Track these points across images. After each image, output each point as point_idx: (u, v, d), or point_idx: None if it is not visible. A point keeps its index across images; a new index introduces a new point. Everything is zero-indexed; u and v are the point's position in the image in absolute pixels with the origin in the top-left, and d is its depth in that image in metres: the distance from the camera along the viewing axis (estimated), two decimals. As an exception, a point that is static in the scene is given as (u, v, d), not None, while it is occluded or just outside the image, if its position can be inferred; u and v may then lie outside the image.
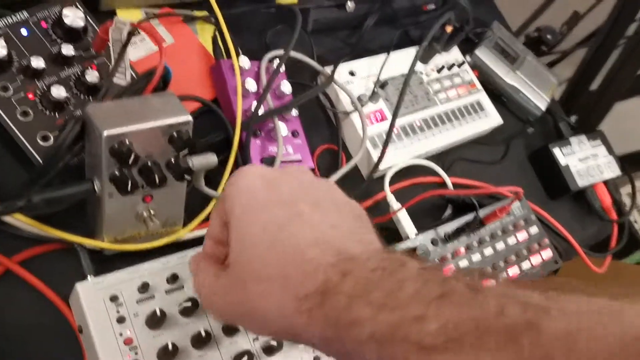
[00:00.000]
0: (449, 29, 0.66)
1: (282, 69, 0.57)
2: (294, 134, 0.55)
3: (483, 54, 0.75)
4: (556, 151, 0.71)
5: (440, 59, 0.70)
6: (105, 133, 0.36)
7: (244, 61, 0.55)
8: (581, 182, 0.71)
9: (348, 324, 0.26)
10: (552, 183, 0.71)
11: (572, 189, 0.70)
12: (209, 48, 0.58)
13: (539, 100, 0.76)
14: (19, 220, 0.39)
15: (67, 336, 0.40)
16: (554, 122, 0.77)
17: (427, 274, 0.26)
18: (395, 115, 0.59)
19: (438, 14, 0.76)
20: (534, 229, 0.61)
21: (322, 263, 0.28)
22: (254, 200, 0.31)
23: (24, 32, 0.44)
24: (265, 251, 0.29)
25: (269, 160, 0.52)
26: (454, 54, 0.72)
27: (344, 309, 0.27)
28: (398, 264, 0.27)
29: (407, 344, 0.25)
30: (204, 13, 0.58)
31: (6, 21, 0.43)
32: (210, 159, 0.44)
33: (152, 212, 0.41)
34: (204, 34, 0.59)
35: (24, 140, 0.40)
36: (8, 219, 0.39)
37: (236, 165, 0.50)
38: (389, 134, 0.58)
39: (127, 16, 0.55)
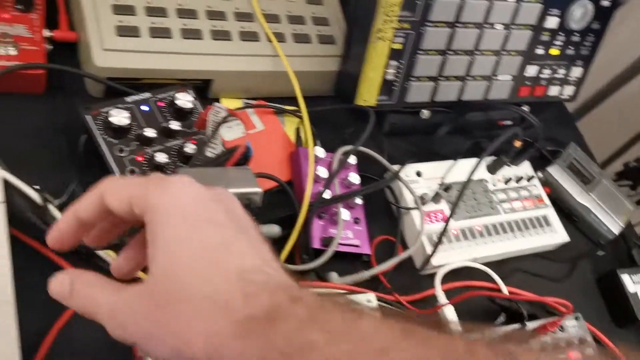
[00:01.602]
0: (517, 143, 0.69)
1: (354, 161, 0.63)
2: (356, 220, 0.60)
3: (556, 172, 0.77)
4: (625, 277, 0.69)
5: (509, 171, 0.73)
6: (190, 193, 0.42)
7: (320, 151, 0.61)
8: (651, 313, 0.67)
9: (298, 349, 0.24)
10: (619, 310, 0.68)
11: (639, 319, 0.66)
12: (292, 137, 0.66)
13: (612, 224, 0.75)
14: (109, 256, 0.47)
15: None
16: (627, 247, 0.75)
17: (386, 309, 0.25)
18: (451, 215, 0.62)
19: (514, 130, 0.81)
20: (589, 351, 0.58)
21: (269, 285, 0.26)
22: (191, 216, 0.28)
23: (144, 108, 0.54)
24: (204, 269, 0.27)
25: (327, 241, 0.56)
26: (525, 168, 0.74)
27: (295, 333, 0.24)
28: (348, 298, 0.26)
29: None
30: (293, 108, 0.67)
31: (134, 99, 0.54)
32: (274, 229, 0.50)
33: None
34: (290, 125, 0.67)
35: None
36: (101, 253, 0.46)
37: (298, 241, 0.55)
38: (443, 231, 0.60)
39: (229, 104, 0.64)
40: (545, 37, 0.72)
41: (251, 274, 0.27)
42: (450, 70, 0.68)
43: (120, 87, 0.56)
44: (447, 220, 0.62)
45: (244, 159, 0.50)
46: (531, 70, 0.75)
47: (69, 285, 0.30)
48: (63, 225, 0.32)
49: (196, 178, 0.43)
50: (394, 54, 0.63)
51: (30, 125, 0.54)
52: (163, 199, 0.29)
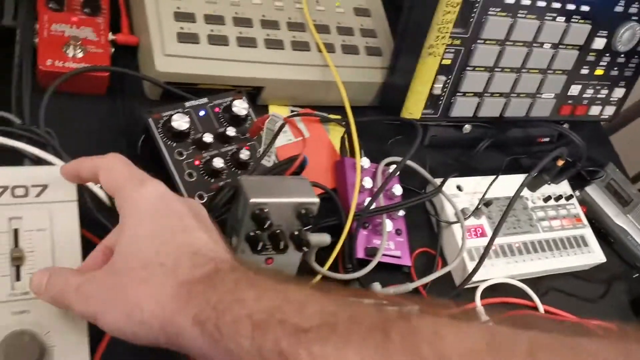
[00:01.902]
0: (560, 162, 0.69)
1: (397, 173, 0.64)
2: (398, 232, 0.61)
3: (594, 192, 0.77)
4: (661, 301, 0.69)
5: (548, 189, 0.73)
6: (251, 200, 0.44)
7: (365, 161, 0.63)
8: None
9: (229, 303, 0.27)
10: (654, 333, 0.68)
11: (676, 344, 0.66)
12: (336, 145, 0.67)
13: (649, 246, 0.75)
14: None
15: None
16: (663, 271, 0.75)
17: (319, 283, 0.29)
18: (495, 234, 0.63)
19: (552, 147, 0.81)
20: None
21: (215, 259, 0.30)
22: (157, 209, 0.33)
23: (202, 113, 0.56)
24: (160, 245, 0.31)
25: (371, 251, 0.58)
26: (563, 186, 0.75)
27: (229, 290, 0.28)
28: (288, 275, 0.30)
29: (282, 327, 0.26)
30: (337, 117, 0.68)
31: (192, 104, 0.56)
32: (326, 238, 0.51)
33: (268, 273, 0.48)
34: (334, 133, 0.68)
35: (186, 196, 0.50)
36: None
37: (343, 249, 0.56)
38: (487, 248, 0.61)
39: (277, 111, 0.66)
40: (591, 57, 0.73)
41: (202, 252, 0.31)
42: (496, 87, 0.68)
43: (178, 91, 0.58)
44: (492, 237, 0.62)
45: (300, 169, 0.52)
46: (574, 90, 0.75)
47: (46, 277, 0.36)
48: (69, 169, 0.40)
49: (257, 185, 0.45)
50: (443, 69, 0.64)
51: (93, 126, 0.56)
52: (136, 195, 0.34)
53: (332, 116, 0.68)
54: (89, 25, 0.57)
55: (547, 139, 0.82)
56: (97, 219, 0.45)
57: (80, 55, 0.55)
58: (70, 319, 0.40)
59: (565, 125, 0.79)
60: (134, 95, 0.60)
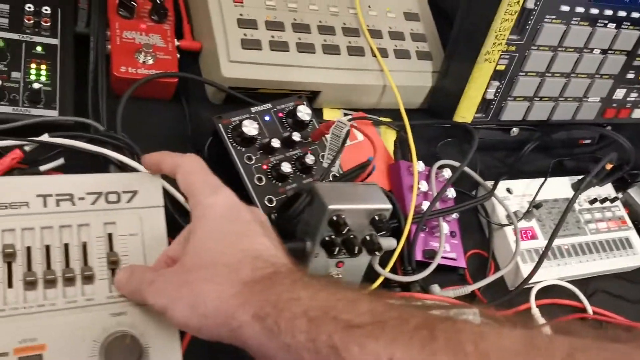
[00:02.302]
0: (609, 166, 0.71)
1: (448, 175, 0.66)
2: (452, 234, 0.63)
3: (636, 194, 0.78)
4: None
5: (593, 191, 0.74)
6: (330, 207, 0.46)
7: (420, 165, 0.64)
8: None
9: (287, 301, 0.30)
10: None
11: None
12: (389, 148, 0.68)
13: (692, 248, 0.76)
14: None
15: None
16: None
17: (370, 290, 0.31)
18: (552, 238, 0.64)
19: (592, 149, 0.82)
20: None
21: (275, 264, 0.33)
22: (226, 215, 0.36)
23: (267, 118, 0.57)
24: (226, 248, 0.34)
25: (428, 253, 0.59)
26: (607, 189, 0.76)
27: (286, 290, 0.30)
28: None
29: (335, 322, 0.28)
30: (389, 120, 0.70)
31: (257, 109, 0.57)
32: (393, 242, 0.53)
33: (340, 275, 0.50)
34: (386, 137, 0.70)
35: (257, 201, 0.52)
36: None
37: (402, 252, 0.58)
38: (544, 253, 0.63)
39: (330, 115, 0.68)
40: (637, 62, 0.73)
41: (264, 257, 0.33)
42: (546, 91, 0.69)
43: (244, 97, 0.59)
44: (549, 241, 0.64)
45: (368, 174, 0.54)
46: (619, 93, 0.76)
47: (128, 274, 0.39)
48: (152, 159, 0.43)
49: (332, 192, 0.47)
50: (497, 75, 0.65)
51: (160, 130, 0.58)
52: (209, 201, 0.37)
53: (383, 119, 0.69)
54: (157, 32, 0.59)
55: (588, 141, 0.83)
56: (180, 224, 0.47)
57: (150, 61, 0.57)
58: (163, 320, 0.42)
59: (608, 128, 0.80)
60: (197, 100, 0.61)
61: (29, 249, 0.40)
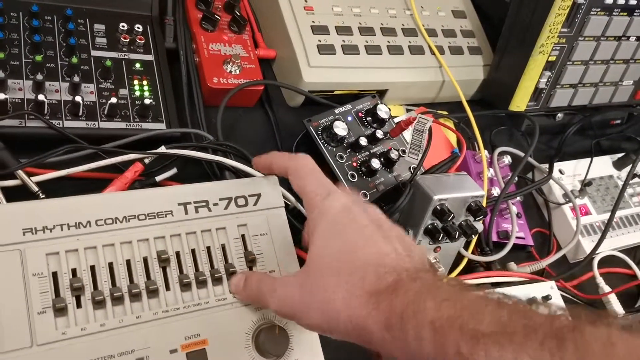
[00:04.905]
0: (646, 143, 0.77)
1: (508, 161, 0.71)
2: (518, 215, 0.68)
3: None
4: None
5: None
6: (435, 197, 0.50)
7: (485, 153, 0.69)
8: None
9: (413, 312, 0.30)
10: None
11: None
12: (451, 139, 0.73)
13: None
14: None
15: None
16: None
17: (486, 291, 0.31)
18: (613, 212, 0.70)
19: (622, 128, 0.88)
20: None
21: (396, 269, 0.33)
22: (339, 220, 0.37)
23: (349, 118, 0.62)
24: (346, 257, 0.35)
25: (502, 234, 0.65)
26: (643, 165, 0.82)
27: (412, 301, 0.31)
28: (462, 280, 0.33)
29: (461, 332, 0.28)
30: (445, 113, 0.75)
31: (340, 110, 0.62)
32: (480, 226, 0.57)
33: (437, 259, 0.55)
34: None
35: (355, 195, 0.56)
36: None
37: (479, 235, 0.63)
38: (606, 227, 0.69)
39: (395, 111, 0.72)
40: (666, 45, 0.79)
41: (385, 263, 0.34)
42: (589, 77, 0.75)
43: (323, 100, 0.63)
44: (611, 216, 0.70)
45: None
46: (650, 76, 0.82)
47: (243, 279, 0.42)
48: (263, 161, 0.46)
49: (433, 184, 0.52)
50: (548, 65, 0.70)
51: (250, 135, 0.62)
52: (325, 205, 0.38)
53: (442, 112, 0.74)
54: (239, 42, 0.62)
55: (618, 121, 0.89)
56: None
57: (237, 71, 0.60)
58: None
59: (639, 108, 0.86)
60: (278, 104, 0.65)
61: (177, 253, 0.44)
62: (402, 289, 0.32)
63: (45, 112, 0.50)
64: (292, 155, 0.44)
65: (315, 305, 0.35)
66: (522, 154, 0.73)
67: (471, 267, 0.61)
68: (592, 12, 0.68)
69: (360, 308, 0.33)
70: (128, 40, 0.57)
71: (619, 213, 0.75)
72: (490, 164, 0.69)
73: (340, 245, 0.36)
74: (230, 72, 0.60)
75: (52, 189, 0.46)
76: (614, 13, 0.70)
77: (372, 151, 0.61)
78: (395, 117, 0.69)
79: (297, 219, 0.52)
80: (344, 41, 0.66)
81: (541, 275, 0.66)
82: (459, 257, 0.60)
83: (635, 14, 0.72)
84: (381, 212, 0.40)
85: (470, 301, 0.30)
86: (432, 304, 0.30)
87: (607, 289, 0.65)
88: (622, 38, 0.74)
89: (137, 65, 0.57)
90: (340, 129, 0.58)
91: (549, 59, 0.70)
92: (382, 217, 0.39)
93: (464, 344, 0.28)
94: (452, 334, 0.28)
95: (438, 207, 0.51)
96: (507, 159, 0.71)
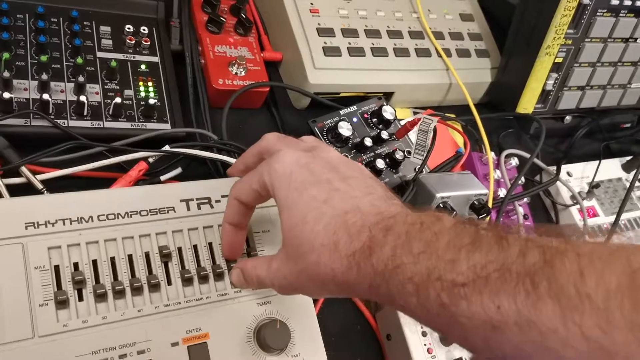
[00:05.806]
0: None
1: (515, 163, 0.70)
2: (525, 216, 0.67)
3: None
4: None
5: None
6: (438, 194, 0.50)
7: (492, 156, 0.68)
8: None
9: (393, 269, 0.31)
10: None
11: None
12: (458, 140, 0.73)
13: None
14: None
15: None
16: None
17: (460, 226, 0.30)
18: (619, 214, 0.69)
19: (633, 132, 0.87)
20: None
21: (365, 224, 0.32)
22: (294, 183, 0.35)
23: (355, 119, 0.62)
24: (314, 225, 0.34)
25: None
26: (652, 168, 0.81)
27: (389, 258, 0.31)
28: (434, 218, 0.31)
29: (440, 283, 0.29)
30: (453, 115, 0.74)
31: (345, 111, 0.62)
32: (487, 226, 0.57)
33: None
34: (451, 131, 0.74)
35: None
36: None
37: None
38: (612, 229, 0.68)
39: (402, 114, 0.72)
40: (675, 47, 0.79)
41: (353, 221, 0.33)
42: (597, 80, 0.74)
43: (329, 102, 0.64)
44: (617, 217, 0.69)
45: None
46: (658, 78, 0.81)
47: (240, 274, 0.42)
48: (225, 237, 0.43)
49: (436, 182, 0.51)
50: (555, 67, 0.70)
51: (256, 136, 0.62)
52: (271, 175, 0.36)
53: (449, 114, 0.74)
54: (244, 45, 0.63)
55: (628, 125, 0.88)
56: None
57: (242, 73, 0.61)
58: (303, 306, 0.46)
59: (648, 111, 0.85)
60: (283, 106, 0.65)
61: (179, 249, 0.44)
62: (376, 246, 0.32)
63: (50, 111, 0.50)
64: (254, 145, 0.42)
65: (304, 276, 0.35)
66: (529, 156, 0.72)
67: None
68: (598, 13, 0.68)
69: (344, 273, 0.33)
70: (134, 42, 0.58)
71: (627, 215, 0.74)
72: (498, 166, 0.69)
73: (302, 215, 0.35)
74: (236, 74, 0.61)
75: (57, 188, 0.47)
76: (621, 14, 0.69)
77: (377, 152, 0.61)
78: (402, 119, 0.69)
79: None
80: (349, 43, 0.66)
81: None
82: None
83: (642, 15, 0.71)
84: (330, 149, 0.38)
85: (444, 249, 0.30)
86: (409, 259, 0.30)
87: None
88: (630, 40, 0.73)
89: (143, 66, 0.57)
90: (344, 129, 0.58)
91: (556, 61, 0.69)
92: (335, 158, 0.37)
93: (445, 295, 0.29)
94: (432, 287, 0.29)
95: (441, 204, 0.50)
96: (515, 161, 0.70)
